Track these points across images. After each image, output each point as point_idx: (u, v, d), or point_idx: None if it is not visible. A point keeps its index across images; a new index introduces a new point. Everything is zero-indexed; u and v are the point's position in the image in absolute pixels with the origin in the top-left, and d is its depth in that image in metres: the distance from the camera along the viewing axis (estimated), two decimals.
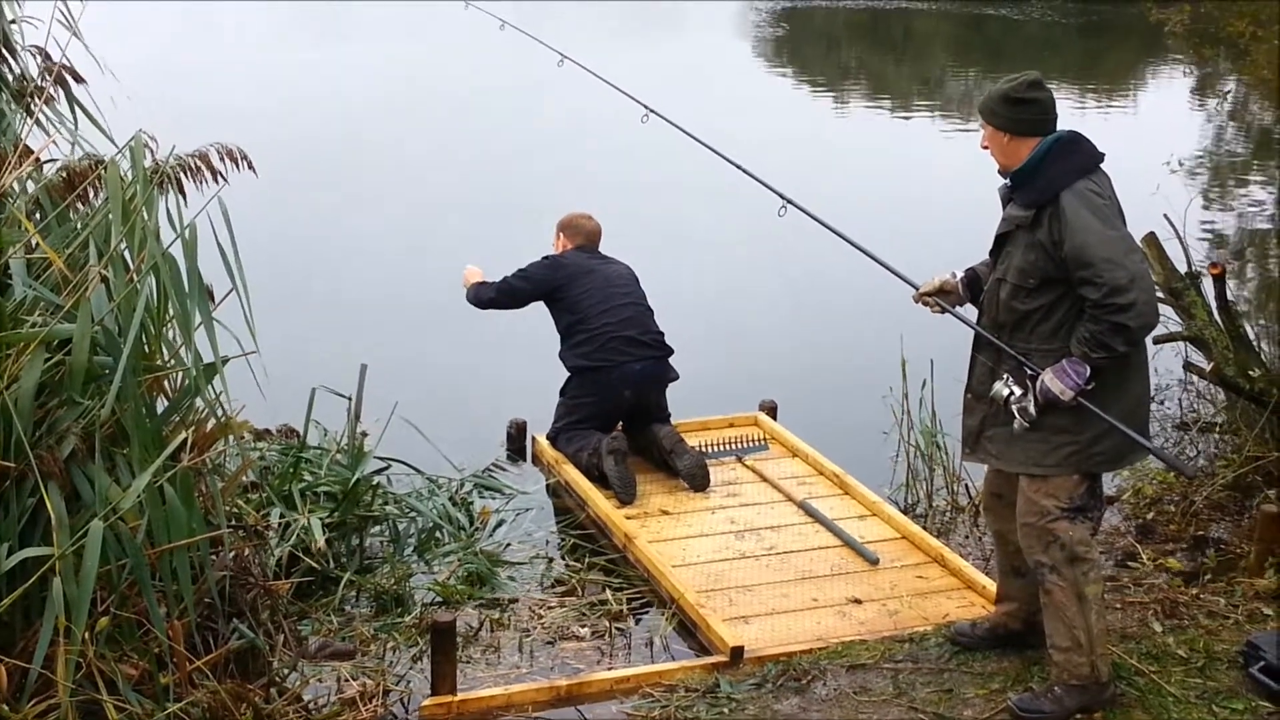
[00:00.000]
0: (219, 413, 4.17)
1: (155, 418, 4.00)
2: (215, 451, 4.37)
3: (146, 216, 3.94)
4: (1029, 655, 4.45)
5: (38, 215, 4.37)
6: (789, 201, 4.93)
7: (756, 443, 6.56)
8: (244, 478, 5.04)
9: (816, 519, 5.75)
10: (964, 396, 4.34)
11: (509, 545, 5.67)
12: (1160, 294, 6.11)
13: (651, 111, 5.84)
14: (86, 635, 3.50)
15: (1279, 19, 12.09)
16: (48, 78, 4.88)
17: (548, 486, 6.27)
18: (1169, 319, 6.35)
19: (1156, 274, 6.23)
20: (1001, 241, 4.19)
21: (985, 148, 4.19)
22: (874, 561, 5.38)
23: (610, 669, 4.64)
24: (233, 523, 4.60)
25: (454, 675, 4.35)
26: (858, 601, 5.07)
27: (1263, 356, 6.39)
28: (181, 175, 4.48)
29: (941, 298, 4.40)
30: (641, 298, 6.37)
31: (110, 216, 3.90)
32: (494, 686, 4.48)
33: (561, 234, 6.58)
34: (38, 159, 4.48)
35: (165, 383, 4.26)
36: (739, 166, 5.26)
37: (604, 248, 6.56)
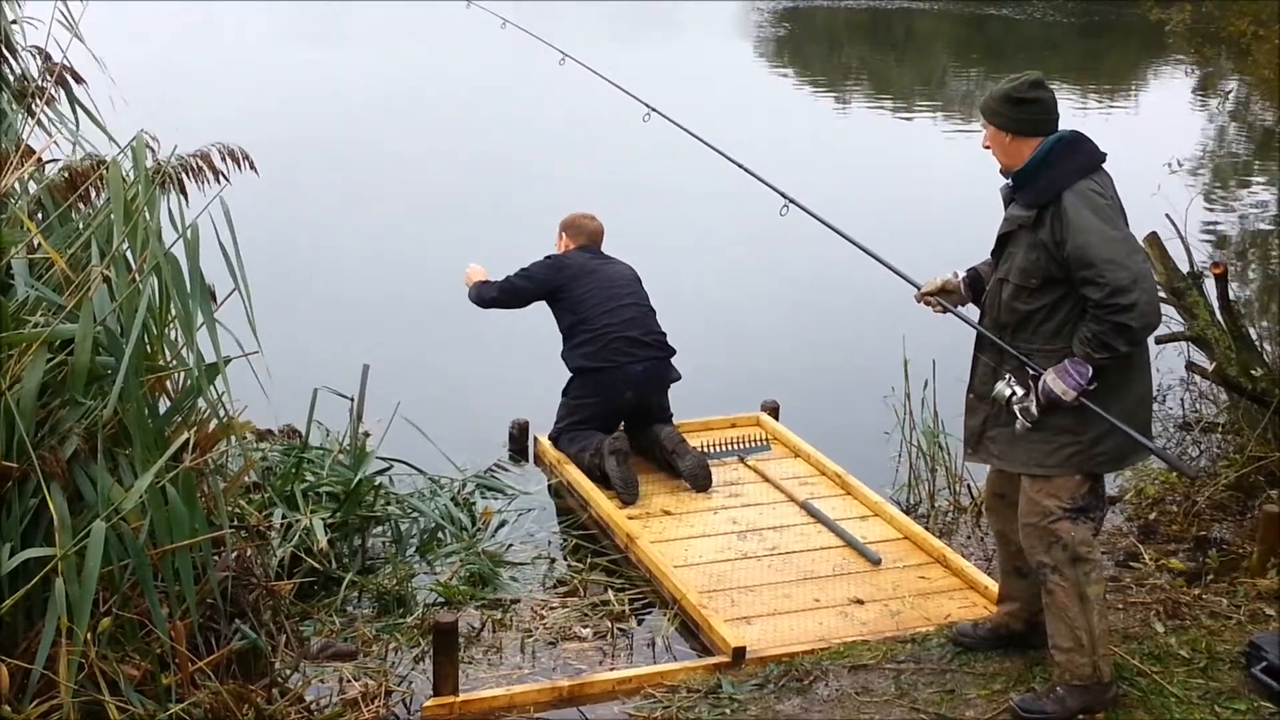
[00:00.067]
0: (221, 413, 4.17)
1: (157, 418, 4.01)
2: (217, 452, 4.38)
3: (148, 216, 3.94)
4: (1031, 656, 4.45)
5: (40, 215, 4.37)
6: (790, 201, 4.93)
7: (758, 443, 6.56)
8: (246, 478, 5.04)
9: (818, 519, 5.75)
10: (966, 397, 4.34)
11: (511, 546, 5.67)
12: (1162, 294, 6.11)
13: (653, 110, 5.84)
14: (89, 636, 3.51)
15: None
16: (49, 78, 4.88)
17: (550, 487, 6.27)
18: (1171, 319, 6.35)
19: (1159, 274, 6.23)
20: (1003, 241, 4.19)
21: (987, 148, 4.19)
22: (876, 562, 5.38)
23: (612, 669, 4.64)
24: (235, 523, 4.60)
25: (456, 676, 4.35)
26: (860, 602, 5.07)
27: (1265, 356, 6.39)
28: (183, 175, 4.48)
29: (943, 297, 4.40)
30: (644, 298, 6.37)
31: (112, 216, 3.90)
32: (496, 687, 4.48)
33: (564, 234, 6.57)
34: (39, 159, 4.48)
35: (167, 383, 4.26)
36: (740, 165, 5.25)
37: (606, 248, 6.55)
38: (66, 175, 4.46)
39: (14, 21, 5.11)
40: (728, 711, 4.24)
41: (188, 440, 3.89)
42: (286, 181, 10.41)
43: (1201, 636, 4.64)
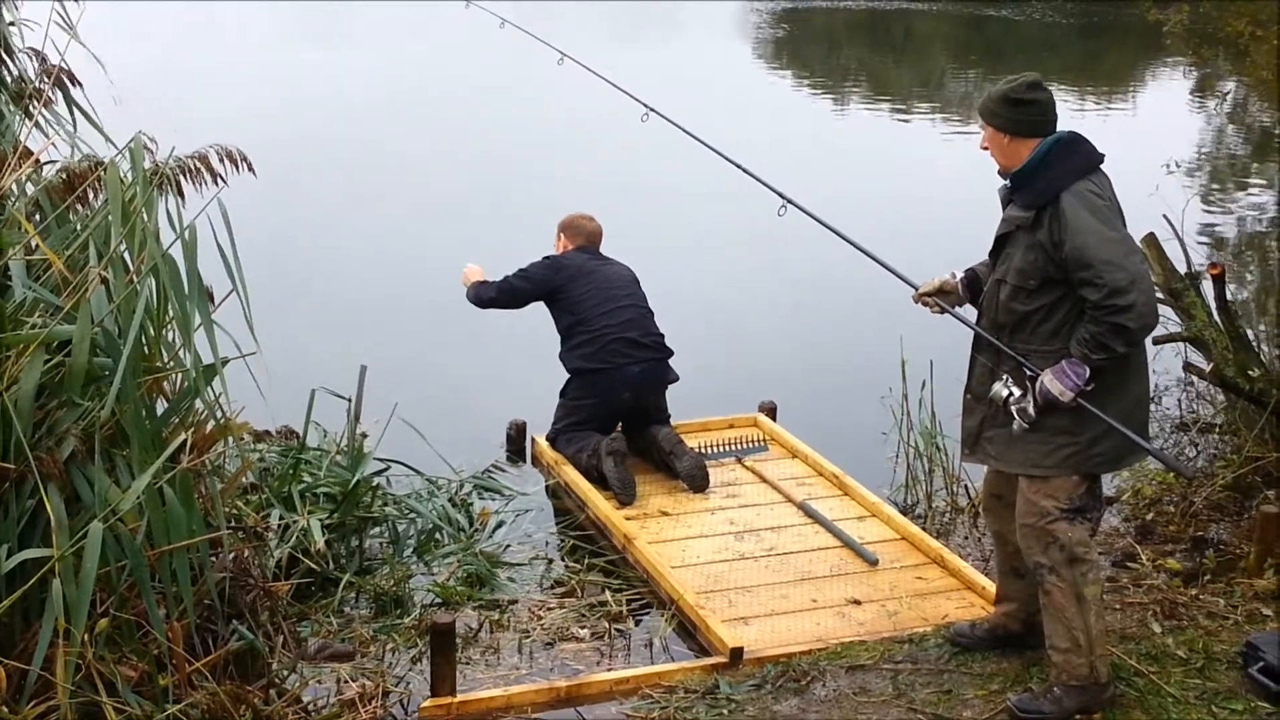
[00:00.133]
0: (218, 414, 4.17)
1: (155, 419, 4.00)
2: (215, 453, 4.38)
3: (146, 218, 3.94)
4: (1028, 656, 4.45)
5: (37, 217, 4.37)
6: (789, 201, 4.93)
7: (756, 444, 6.56)
8: (243, 479, 5.04)
9: (816, 520, 5.75)
10: (963, 397, 4.34)
11: (508, 546, 5.67)
12: (1160, 295, 6.10)
13: (651, 110, 5.83)
14: (86, 637, 3.51)
15: (1278, 19, 12.08)
16: (46, 80, 4.89)
17: (547, 488, 6.27)
18: (1168, 320, 6.35)
19: (1156, 275, 6.23)
20: (1001, 242, 4.19)
21: (985, 148, 4.19)
22: (873, 562, 5.38)
23: (610, 670, 4.64)
24: (232, 524, 4.60)
25: (453, 676, 4.35)
26: (857, 602, 5.07)
27: (1262, 357, 6.39)
28: (181, 177, 4.48)
29: (941, 298, 4.40)
30: (642, 299, 6.37)
31: (110, 218, 3.90)
32: (493, 688, 4.48)
33: (562, 234, 6.58)
34: (37, 160, 4.49)
35: (165, 384, 4.26)
36: (739, 165, 5.25)
37: (605, 248, 6.56)
38: (64, 177, 4.46)
39: (11, 24, 5.12)
40: (725, 712, 4.25)
41: (185, 441, 3.89)
42: (286, 181, 10.41)
43: (1199, 637, 4.64)
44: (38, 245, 3.96)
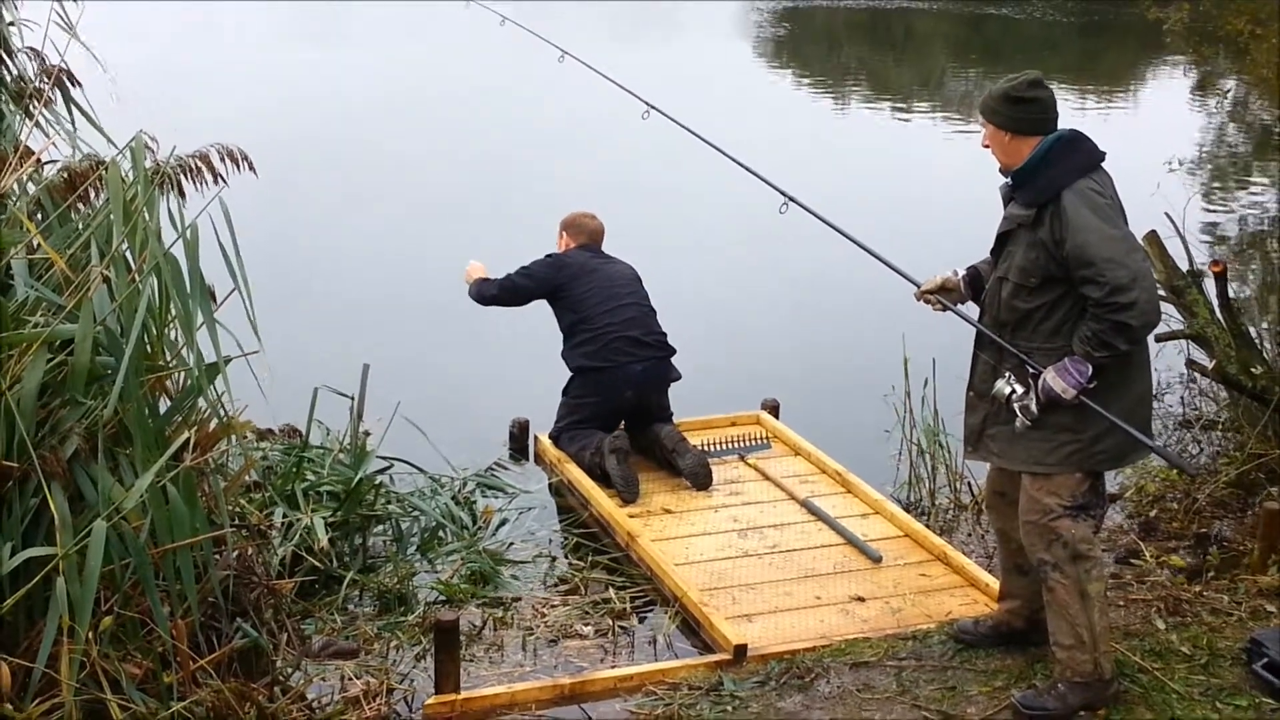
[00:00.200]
0: (221, 413, 4.17)
1: (158, 418, 4.01)
2: (218, 451, 4.38)
3: (148, 216, 3.95)
4: (1032, 653, 4.45)
5: (39, 216, 4.37)
6: (790, 199, 4.92)
7: (759, 441, 6.56)
8: (247, 477, 5.04)
9: (819, 517, 5.75)
10: (966, 395, 4.34)
11: (512, 544, 5.67)
12: (1162, 292, 6.10)
13: (652, 108, 5.83)
14: (90, 635, 3.51)
15: (1278, 17, 12.08)
16: (46, 80, 4.89)
17: (550, 485, 6.27)
18: (1171, 317, 6.35)
19: (1158, 272, 6.22)
20: (1003, 240, 4.19)
21: (986, 147, 4.19)
22: (877, 559, 5.38)
23: (614, 667, 4.64)
24: (236, 522, 4.60)
25: (457, 674, 4.35)
26: (861, 599, 5.07)
27: (1265, 354, 6.38)
28: (182, 176, 4.48)
29: (943, 295, 4.40)
30: (644, 298, 6.37)
31: (112, 217, 3.90)
32: (497, 685, 4.48)
33: (564, 233, 6.57)
34: (38, 160, 4.49)
35: (168, 383, 4.26)
36: (739, 163, 5.25)
37: (606, 247, 6.55)
38: (66, 176, 4.46)
39: (11, 23, 5.12)
40: (729, 709, 4.25)
41: (188, 440, 3.89)
42: (286, 181, 10.41)
43: (1202, 633, 4.64)
44: (40, 244, 3.96)
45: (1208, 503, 5.98)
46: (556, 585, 5.34)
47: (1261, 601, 4.89)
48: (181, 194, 4.46)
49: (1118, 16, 24.67)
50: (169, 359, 4.20)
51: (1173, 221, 6.73)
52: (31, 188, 4.44)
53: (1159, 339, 6.05)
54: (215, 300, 4.17)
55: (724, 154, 5.32)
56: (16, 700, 3.46)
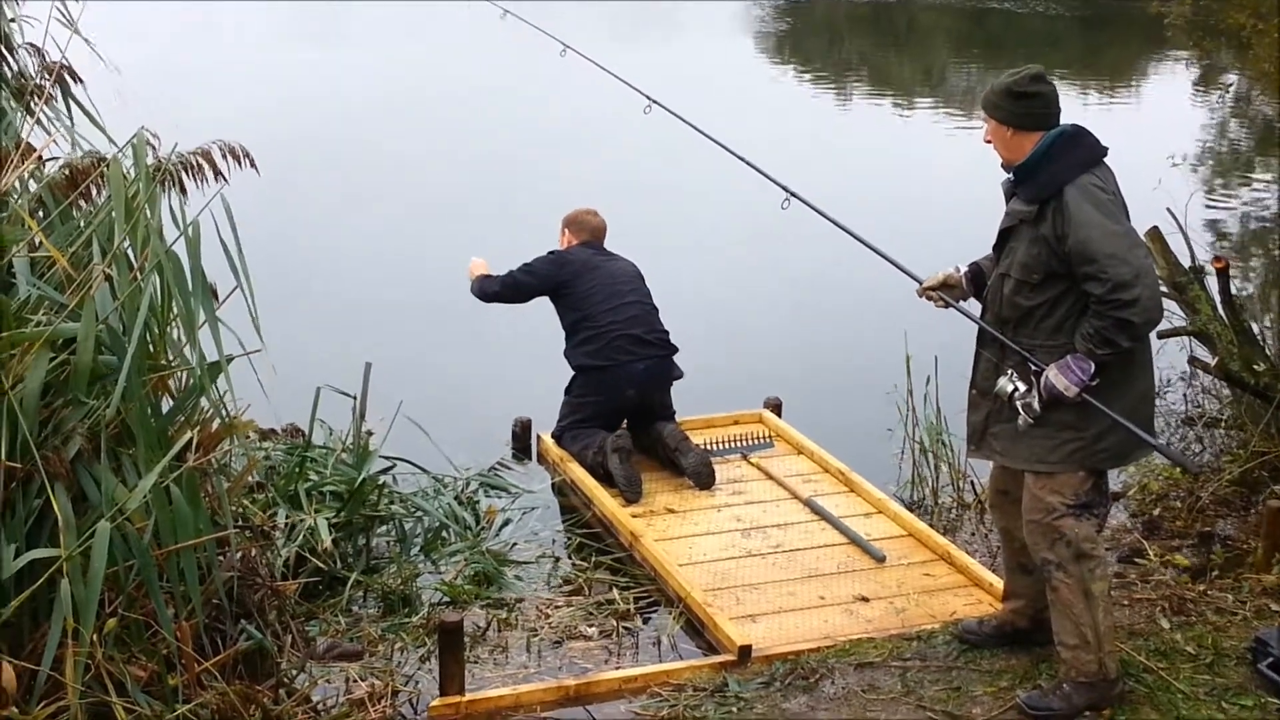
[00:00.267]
0: (224, 412, 4.15)
1: (160, 417, 3.99)
2: (221, 451, 4.37)
3: (150, 214, 3.93)
4: (1037, 653, 4.44)
5: (41, 213, 4.36)
6: (792, 194, 4.90)
7: (761, 440, 6.55)
8: (250, 478, 5.03)
9: (822, 516, 5.74)
10: (968, 393, 4.33)
11: (515, 544, 5.66)
12: (1164, 289, 6.09)
13: (654, 102, 5.81)
14: (94, 637, 3.50)
15: (1278, 12, 12.05)
16: (47, 77, 4.87)
17: (553, 485, 6.26)
18: (1173, 314, 6.34)
19: (1160, 269, 6.21)
20: (1005, 236, 4.18)
21: (988, 142, 4.17)
22: (880, 559, 5.37)
23: (618, 668, 4.63)
24: (239, 523, 4.59)
25: (462, 675, 4.34)
26: (865, 599, 5.06)
27: (1267, 351, 6.37)
28: (183, 174, 4.47)
29: (945, 292, 4.39)
30: (647, 295, 6.36)
31: (113, 214, 3.88)
32: (502, 686, 4.47)
33: (566, 230, 6.56)
34: (40, 157, 4.47)
35: (170, 382, 4.25)
36: (741, 158, 5.23)
37: (608, 245, 6.54)
38: (67, 173, 4.45)
39: (12, 20, 5.10)
40: (734, 710, 4.24)
41: (191, 440, 3.88)
42: (286, 181, 10.38)
43: (1207, 632, 4.63)
44: (41, 242, 3.95)
45: (1211, 501, 5.97)
46: (560, 586, 5.33)
47: (1266, 600, 4.89)
48: (183, 191, 4.46)
49: (1120, 11, 24.64)
50: (171, 358, 4.18)
51: (1175, 217, 6.71)
52: (33, 185, 4.43)
53: (1161, 336, 6.04)
54: (217, 298, 4.16)
55: (725, 148, 5.30)
56: (22, 703, 3.45)
